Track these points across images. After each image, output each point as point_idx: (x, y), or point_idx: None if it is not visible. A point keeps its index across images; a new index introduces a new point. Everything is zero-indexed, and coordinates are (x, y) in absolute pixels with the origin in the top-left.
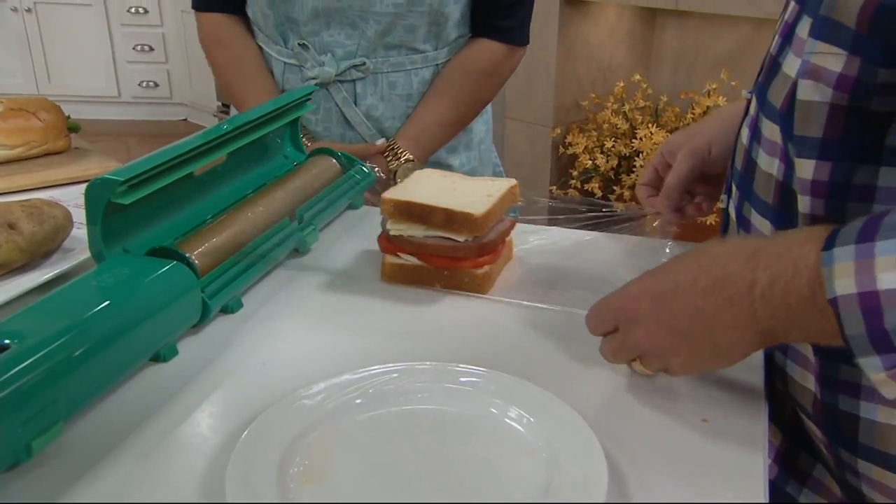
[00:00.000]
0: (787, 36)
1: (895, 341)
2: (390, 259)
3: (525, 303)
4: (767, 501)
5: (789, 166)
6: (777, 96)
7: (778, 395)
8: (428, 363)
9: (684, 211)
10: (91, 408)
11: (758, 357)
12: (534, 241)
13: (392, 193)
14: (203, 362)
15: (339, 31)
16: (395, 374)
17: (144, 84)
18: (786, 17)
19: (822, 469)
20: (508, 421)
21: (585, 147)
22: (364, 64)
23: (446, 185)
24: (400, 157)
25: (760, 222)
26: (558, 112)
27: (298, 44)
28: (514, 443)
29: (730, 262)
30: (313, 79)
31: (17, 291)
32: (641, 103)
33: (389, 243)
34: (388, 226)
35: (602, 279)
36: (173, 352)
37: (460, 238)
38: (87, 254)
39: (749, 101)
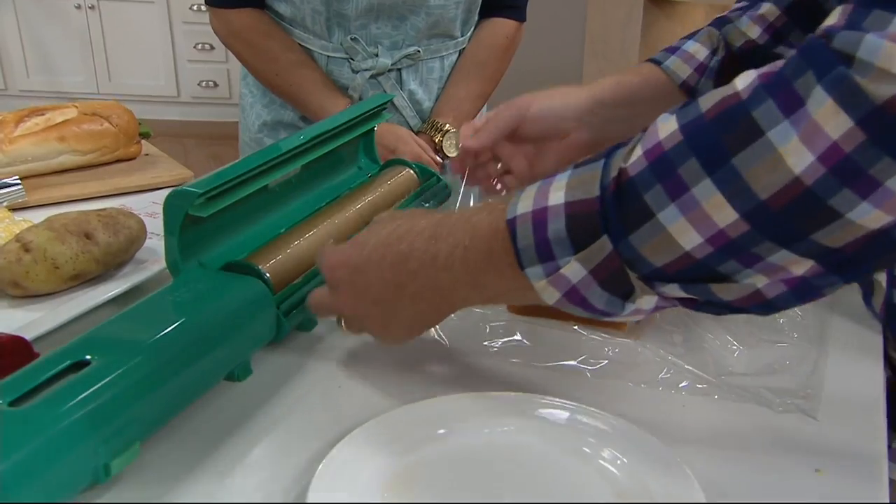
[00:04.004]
0: None
1: (554, 250)
2: None
3: (670, 357)
4: None
5: None
6: None
7: None
8: (513, 394)
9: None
10: (166, 428)
11: (877, 402)
12: None
13: None
14: (278, 383)
15: (386, 23)
16: (478, 404)
17: (204, 84)
18: None
19: None
20: (601, 461)
21: None
22: (418, 52)
23: None
24: (442, 130)
25: None
26: None
27: (350, 38)
28: (607, 484)
29: (415, 239)
30: (367, 70)
31: (92, 303)
32: None
33: None
34: None
35: (752, 318)
36: (248, 371)
37: None
38: (159, 266)
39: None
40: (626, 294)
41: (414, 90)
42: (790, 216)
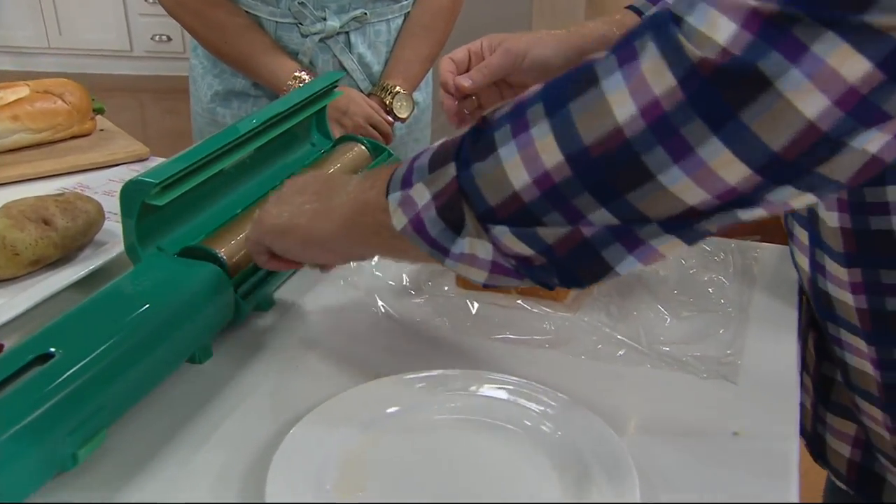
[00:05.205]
0: None
1: (414, 176)
2: None
3: (607, 329)
4: None
5: None
6: None
7: (840, 389)
8: (460, 371)
9: (467, 113)
10: (130, 412)
11: (791, 368)
12: None
13: None
14: (237, 364)
15: None
16: (427, 382)
17: (157, 38)
18: None
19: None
20: (541, 433)
21: None
22: (365, 15)
23: None
24: (392, 92)
25: (801, 233)
26: None
27: (298, 2)
28: (546, 456)
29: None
30: (316, 34)
31: (53, 289)
32: None
33: None
34: None
35: (682, 287)
36: (208, 354)
37: None
38: (119, 248)
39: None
40: (459, 227)
41: (363, 53)
42: (607, 165)
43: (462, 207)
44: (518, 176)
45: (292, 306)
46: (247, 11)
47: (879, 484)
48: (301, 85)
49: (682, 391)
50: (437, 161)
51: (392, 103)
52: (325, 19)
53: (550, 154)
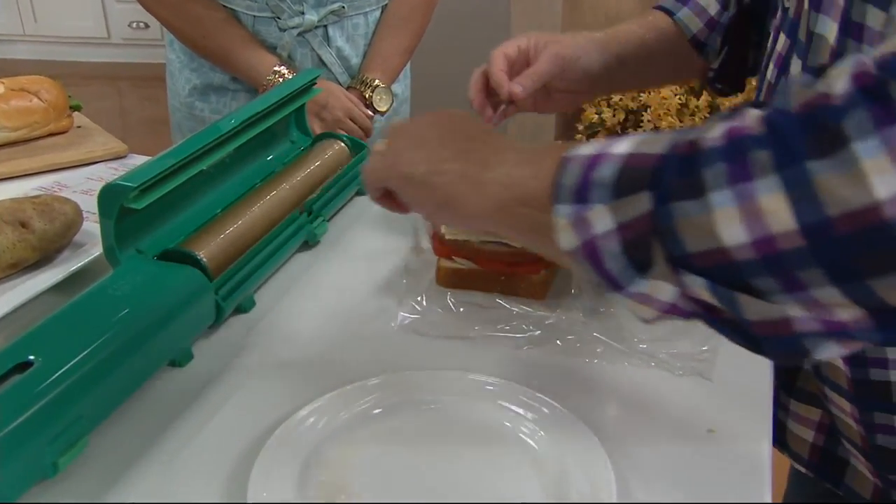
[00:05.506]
0: (783, 67)
1: (592, 192)
2: (445, 263)
3: (586, 327)
4: None
5: None
6: None
7: (807, 377)
8: (438, 371)
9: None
10: (111, 418)
11: (765, 370)
12: None
13: None
14: (219, 366)
15: None
16: (409, 383)
17: (134, 25)
18: (777, 48)
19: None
20: (521, 435)
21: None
22: (343, 8)
23: None
24: (371, 85)
25: None
26: None
27: None
28: (526, 457)
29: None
30: (294, 28)
31: (33, 292)
32: None
33: (444, 246)
34: (443, 229)
35: None
36: (189, 356)
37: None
38: (98, 249)
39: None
40: (644, 268)
41: (342, 47)
42: (854, 246)
43: (652, 247)
44: (732, 231)
45: (273, 308)
46: (224, 6)
47: (842, 467)
48: (280, 80)
49: (658, 389)
50: (627, 184)
51: (371, 97)
52: (302, 13)
53: (780, 218)
